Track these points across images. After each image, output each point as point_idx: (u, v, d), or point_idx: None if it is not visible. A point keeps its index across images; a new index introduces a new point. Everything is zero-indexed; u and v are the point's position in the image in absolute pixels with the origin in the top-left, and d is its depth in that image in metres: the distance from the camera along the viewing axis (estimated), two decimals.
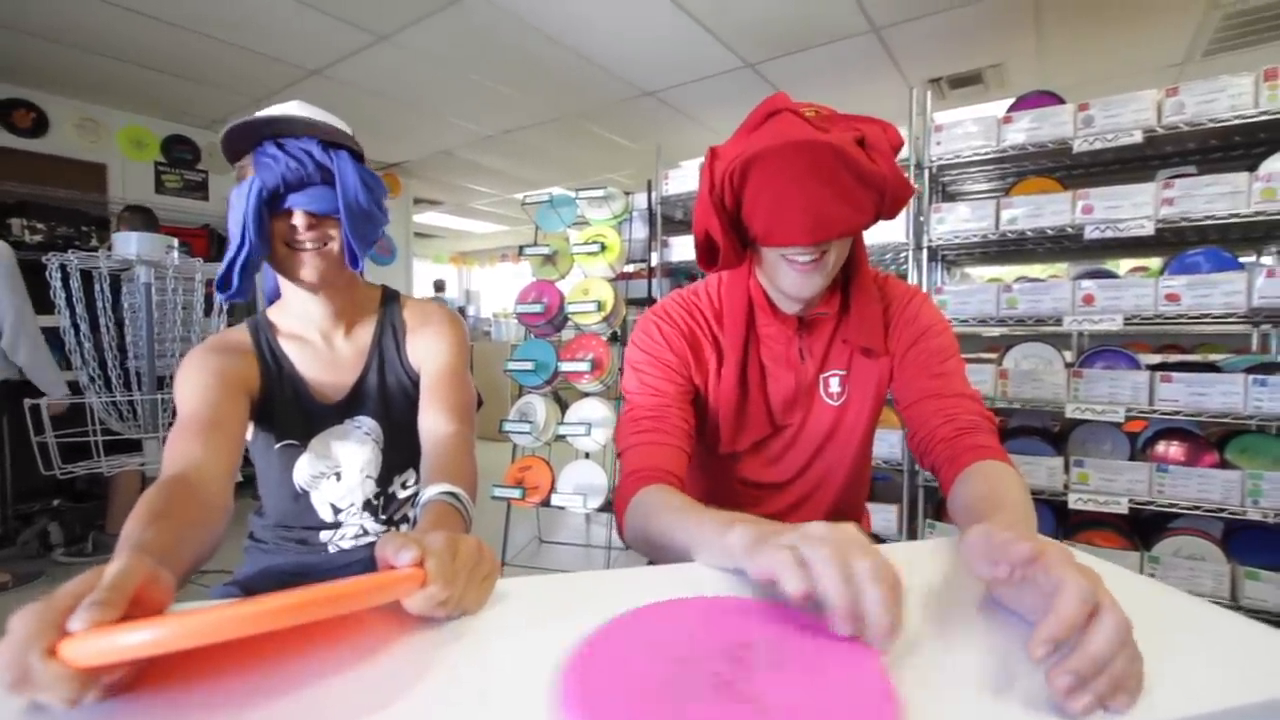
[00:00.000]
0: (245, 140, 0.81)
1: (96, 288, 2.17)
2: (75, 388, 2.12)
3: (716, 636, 0.39)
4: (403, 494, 0.99)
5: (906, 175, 0.79)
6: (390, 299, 1.00)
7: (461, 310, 7.45)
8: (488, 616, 0.47)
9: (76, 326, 2.06)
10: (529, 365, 2.48)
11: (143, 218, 2.78)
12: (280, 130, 0.81)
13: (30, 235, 3.23)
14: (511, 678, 0.37)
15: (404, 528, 0.99)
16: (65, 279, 2.03)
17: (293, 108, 0.85)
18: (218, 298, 0.84)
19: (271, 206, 0.80)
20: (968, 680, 0.37)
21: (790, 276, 0.79)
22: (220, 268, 0.81)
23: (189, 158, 4.10)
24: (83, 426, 2.01)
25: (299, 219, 0.81)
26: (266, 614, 0.33)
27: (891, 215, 0.80)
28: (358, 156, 0.87)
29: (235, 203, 0.80)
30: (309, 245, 0.83)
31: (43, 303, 2.29)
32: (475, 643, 0.43)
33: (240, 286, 0.81)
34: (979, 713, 0.34)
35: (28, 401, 1.93)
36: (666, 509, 0.68)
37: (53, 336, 2.72)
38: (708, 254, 0.85)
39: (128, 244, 2.07)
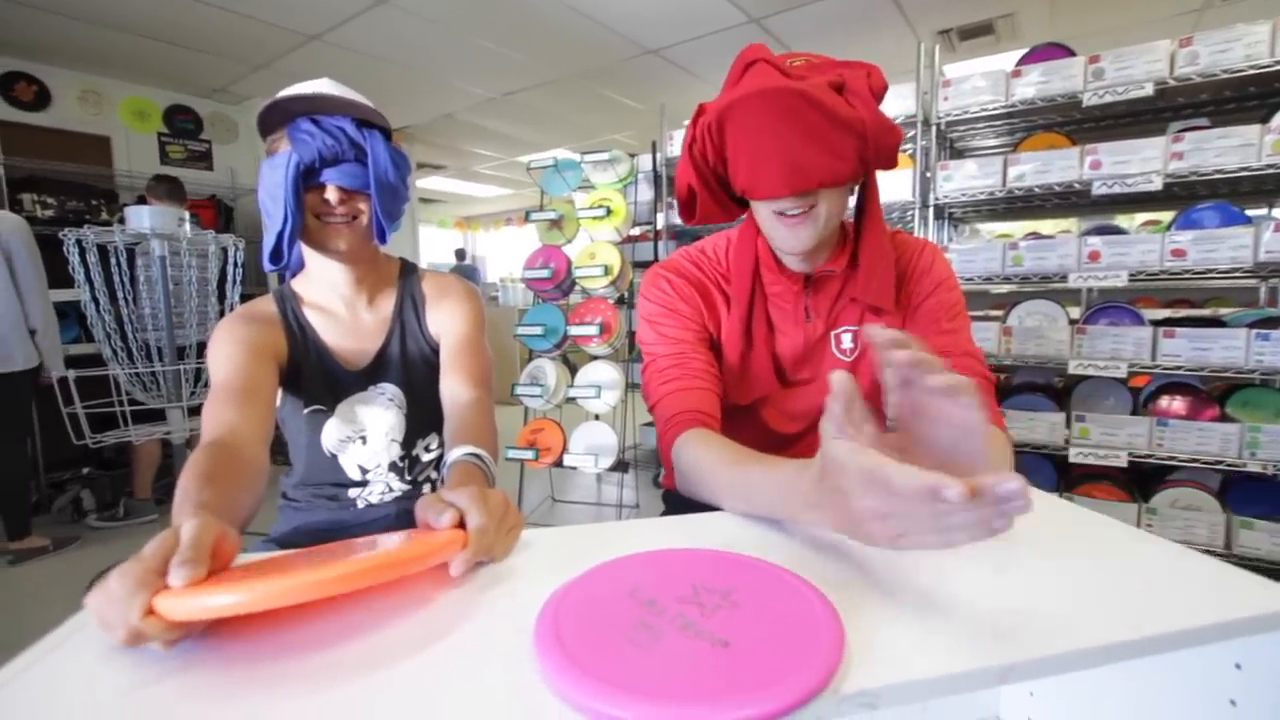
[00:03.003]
0: (281, 115, 0.84)
1: (112, 261, 2.21)
2: (98, 360, 2.17)
3: (683, 582, 0.43)
4: (426, 456, 1.04)
5: (894, 120, 0.77)
6: (409, 271, 1.04)
7: (473, 274, 7.44)
8: (515, 564, 0.52)
9: (96, 301, 2.11)
10: (539, 330, 2.51)
11: (168, 187, 2.80)
12: (317, 107, 0.84)
13: (42, 210, 3.26)
14: (527, 621, 0.41)
15: (426, 488, 1.05)
16: (82, 253, 2.07)
17: (324, 85, 0.88)
18: (266, 267, 0.87)
19: (306, 180, 0.84)
20: (910, 617, 0.42)
21: (780, 231, 0.79)
22: (268, 242, 0.85)
23: (191, 127, 4.08)
24: (108, 398, 2.08)
25: (332, 193, 0.85)
26: (337, 579, 0.38)
27: (884, 164, 0.78)
28: (386, 134, 0.90)
29: (268, 175, 0.84)
30: (339, 219, 0.87)
31: (58, 278, 2.35)
32: (511, 589, 0.48)
33: (289, 258, 0.85)
34: (920, 644, 0.38)
35: (56, 373, 2.00)
36: (712, 461, 0.69)
37: (71, 308, 2.79)
38: (688, 208, 0.87)
39: (140, 218, 2.09)
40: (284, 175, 0.82)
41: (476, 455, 0.77)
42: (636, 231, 2.85)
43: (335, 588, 0.38)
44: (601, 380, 2.50)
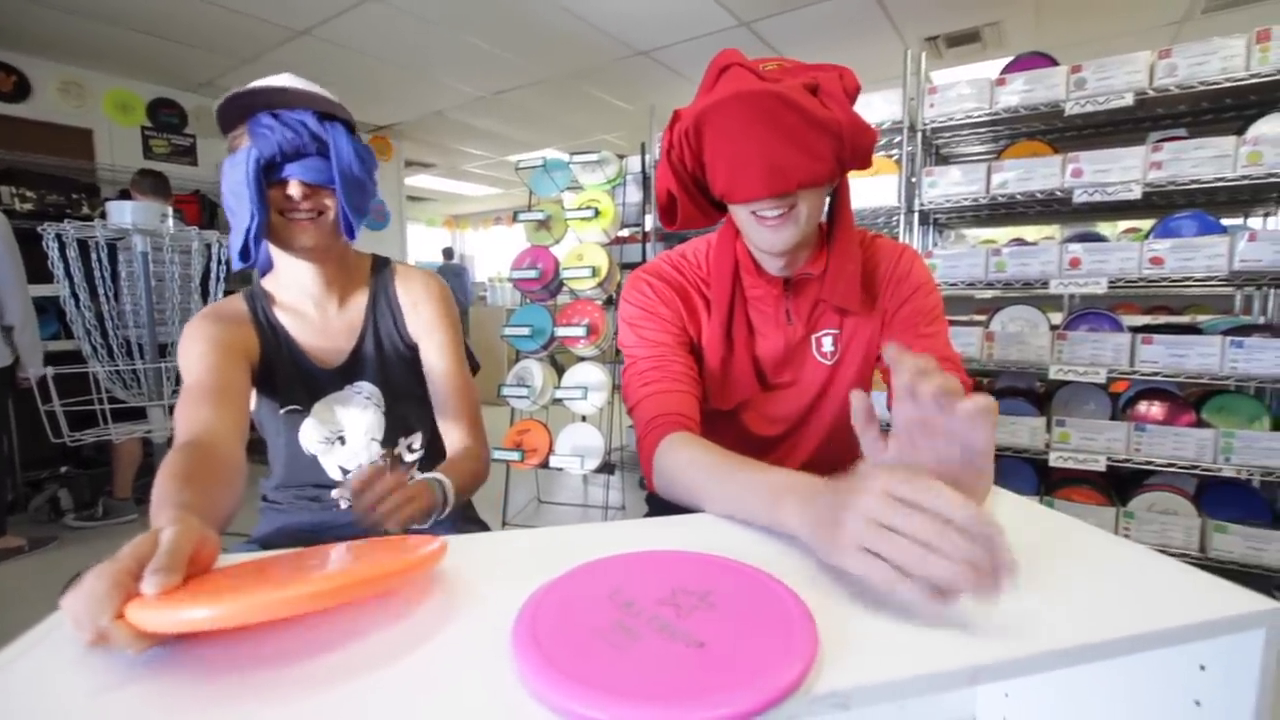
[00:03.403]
0: (241, 110, 0.82)
1: (93, 256, 2.18)
2: (78, 357, 2.15)
3: (661, 584, 0.44)
4: (409, 456, 1.03)
5: (868, 122, 0.79)
6: (381, 267, 1.02)
7: (462, 273, 7.37)
8: (495, 565, 0.52)
9: (76, 297, 2.08)
10: (526, 330, 2.51)
11: (152, 182, 2.75)
12: (276, 101, 0.82)
13: (21, 204, 3.21)
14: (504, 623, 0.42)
15: None
16: (62, 248, 2.04)
17: (285, 79, 0.85)
18: (235, 265, 0.86)
19: (268, 175, 0.82)
20: (883, 619, 0.42)
21: (761, 232, 0.80)
22: (234, 240, 0.84)
23: (175, 121, 4.03)
24: (87, 395, 2.05)
25: (295, 189, 0.83)
26: (310, 597, 0.38)
27: (859, 164, 0.79)
28: (350, 128, 0.88)
29: (230, 173, 0.82)
30: (304, 215, 0.85)
31: (37, 272, 2.31)
32: (490, 590, 0.48)
33: (257, 254, 0.84)
34: (892, 645, 0.39)
35: (34, 372, 1.97)
36: (695, 465, 0.70)
37: (50, 304, 2.74)
38: (668, 214, 0.88)
39: (122, 213, 2.07)
40: (245, 171, 0.80)
41: (439, 481, 0.81)
42: (625, 233, 2.85)
43: (307, 605, 0.38)
44: (588, 382, 2.50)
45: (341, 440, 0.97)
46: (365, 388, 0.98)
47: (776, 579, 0.44)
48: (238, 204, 0.82)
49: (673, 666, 0.34)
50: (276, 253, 0.91)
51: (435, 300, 1.00)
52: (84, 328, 2.11)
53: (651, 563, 0.48)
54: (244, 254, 0.84)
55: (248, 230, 0.82)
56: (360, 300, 0.98)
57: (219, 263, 2.35)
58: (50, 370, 1.92)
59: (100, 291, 2.17)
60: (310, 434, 0.95)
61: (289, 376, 0.93)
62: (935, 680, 0.36)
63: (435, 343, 0.98)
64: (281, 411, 0.94)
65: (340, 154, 0.84)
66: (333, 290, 0.95)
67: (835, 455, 0.99)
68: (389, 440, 1.00)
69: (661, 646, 0.36)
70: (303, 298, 0.95)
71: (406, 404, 0.99)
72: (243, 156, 0.81)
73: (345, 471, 0.98)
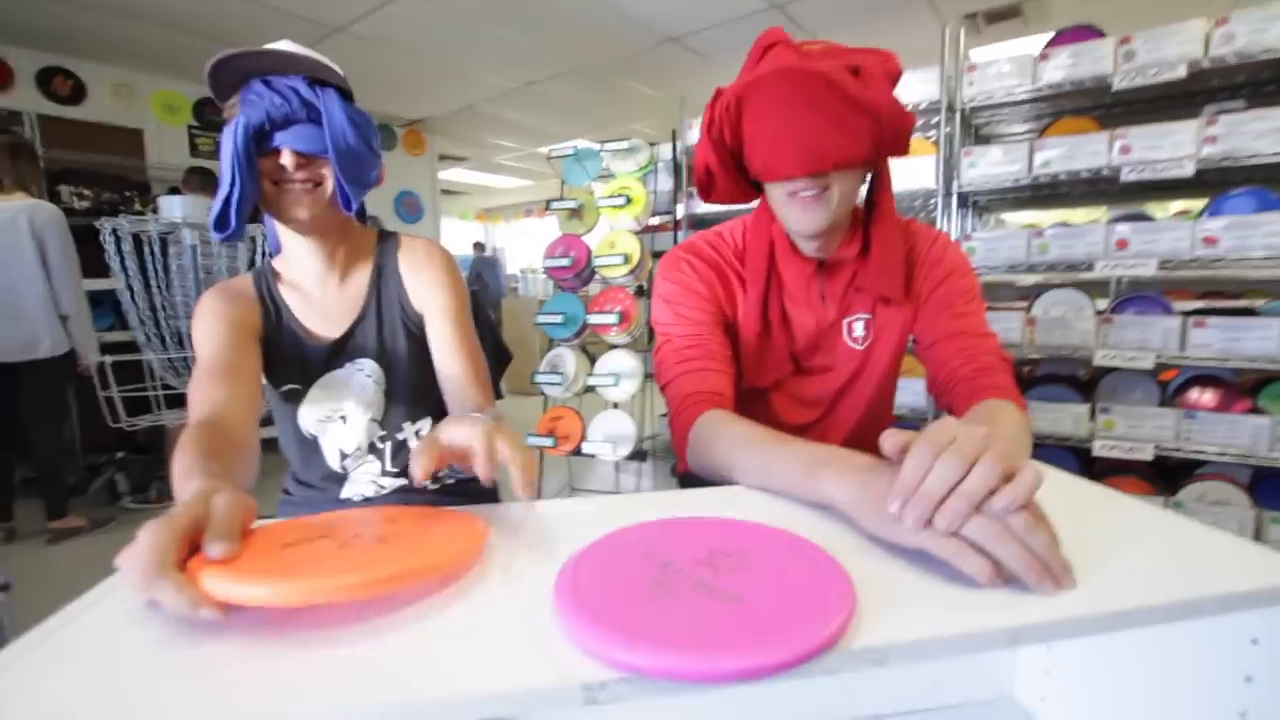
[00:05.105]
0: (233, 79, 0.80)
1: (146, 250, 2.28)
2: (133, 347, 2.25)
3: (698, 546, 0.45)
4: (416, 443, 0.99)
5: (907, 106, 0.78)
6: (386, 240, 0.99)
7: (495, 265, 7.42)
8: (534, 530, 0.53)
9: (131, 289, 2.17)
10: (558, 318, 2.53)
11: (200, 178, 2.86)
12: (266, 66, 0.80)
13: (79, 202, 3.36)
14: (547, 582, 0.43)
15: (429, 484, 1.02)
16: (118, 243, 2.13)
17: (282, 46, 0.83)
18: (214, 237, 0.85)
19: (259, 144, 0.80)
20: (924, 581, 0.42)
21: (794, 212, 0.80)
22: (215, 207, 0.81)
23: (219, 119, 4.16)
24: (142, 383, 2.15)
25: (287, 158, 0.81)
26: (372, 583, 0.39)
27: (896, 148, 0.79)
28: (346, 95, 0.85)
29: (225, 142, 0.80)
30: (299, 186, 0.83)
31: (94, 266, 2.42)
32: (530, 551, 0.49)
33: (237, 227, 0.82)
34: (928, 605, 0.39)
35: (92, 358, 2.07)
36: (732, 438, 0.70)
37: (106, 297, 2.87)
38: (706, 189, 0.89)
39: (173, 208, 2.16)
40: (234, 139, 0.78)
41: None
42: (656, 221, 2.85)
43: (367, 592, 0.39)
44: (620, 369, 2.51)
45: (342, 419, 0.95)
46: (366, 364, 0.95)
47: (812, 543, 0.45)
48: (225, 172, 0.80)
49: (712, 620, 0.35)
50: (280, 229, 0.91)
51: (436, 264, 0.97)
52: (138, 318, 2.21)
53: (688, 527, 0.49)
54: (221, 223, 0.81)
55: (227, 199, 0.80)
56: (364, 275, 0.96)
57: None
58: (108, 358, 2.01)
59: (153, 284, 2.26)
60: (309, 414, 0.94)
61: (287, 353, 0.92)
62: (976, 640, 0.36)
63: (435, 302, 0.95)
64: (281, 390, 0.93)
65: (333, 121, 0.81)
66: (335, 266, 0.93)
67: (868, 442, 0.98)
68: (390, 424, 0.98)
69: (700, 602, 0.37)
70: (306, 274, 0.93)
71: (410, 384, 0.97)
72: (234, 125, 0.78)
73: (344, 455, 0.97)
